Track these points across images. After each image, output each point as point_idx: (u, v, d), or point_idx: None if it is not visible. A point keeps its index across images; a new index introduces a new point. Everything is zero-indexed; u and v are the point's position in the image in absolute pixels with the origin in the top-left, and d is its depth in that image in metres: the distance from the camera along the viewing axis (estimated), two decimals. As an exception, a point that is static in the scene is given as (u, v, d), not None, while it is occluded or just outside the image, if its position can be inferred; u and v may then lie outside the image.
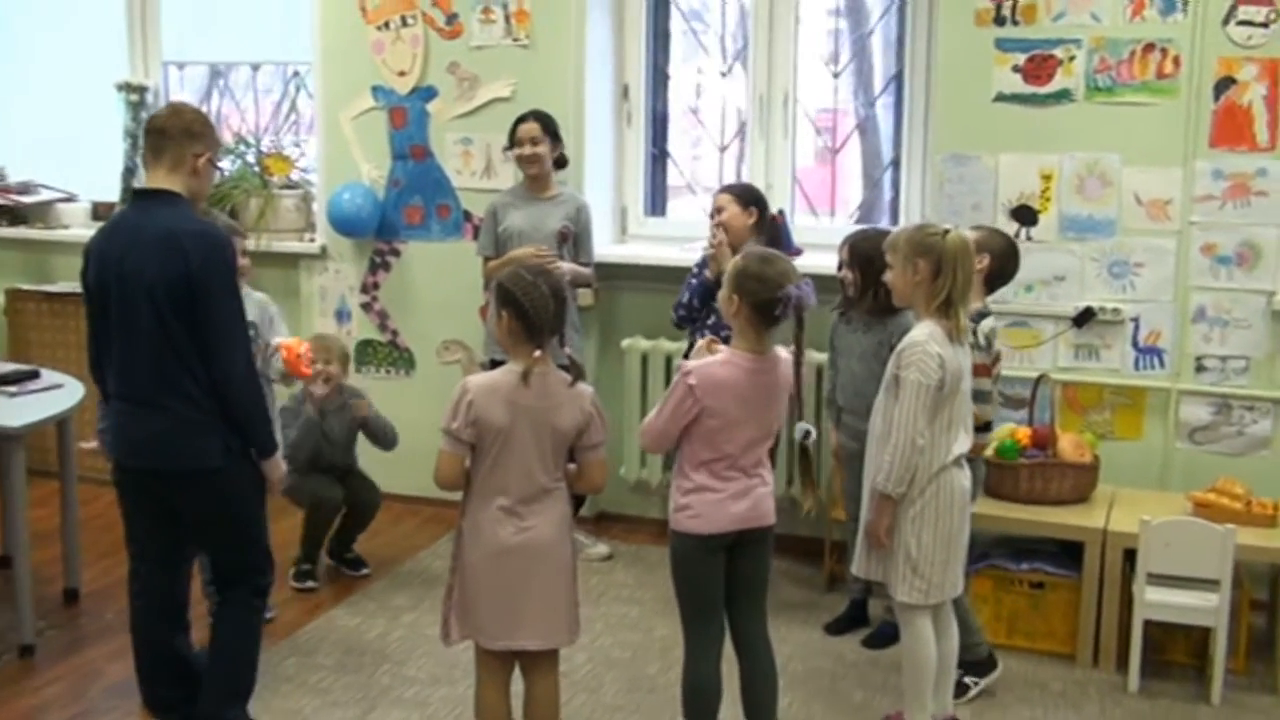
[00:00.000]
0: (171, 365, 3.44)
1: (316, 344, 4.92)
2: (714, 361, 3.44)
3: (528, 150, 5.12)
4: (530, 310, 3.30)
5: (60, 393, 4.75)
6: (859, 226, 5.20)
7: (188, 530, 3.71)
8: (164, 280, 3.38)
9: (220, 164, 3.74)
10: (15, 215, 6.68)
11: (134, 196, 3.67)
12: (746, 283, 3.41)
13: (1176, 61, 4.78)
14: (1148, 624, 4.24)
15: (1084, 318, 4.95)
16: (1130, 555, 4.30)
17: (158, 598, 3.77)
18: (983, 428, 4.08)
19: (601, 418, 3.41)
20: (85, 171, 6.78)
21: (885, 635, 4.56)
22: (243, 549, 3.69)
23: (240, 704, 3.74)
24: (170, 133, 3.53)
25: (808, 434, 3.48)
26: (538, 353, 3.30)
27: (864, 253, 4.39)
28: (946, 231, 3.63)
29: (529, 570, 3.36)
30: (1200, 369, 4.88)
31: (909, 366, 3.57)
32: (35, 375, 4.89)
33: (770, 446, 3.57)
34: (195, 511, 3.62)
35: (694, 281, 4.81)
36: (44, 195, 6.77)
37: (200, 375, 3.45)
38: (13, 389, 4.71)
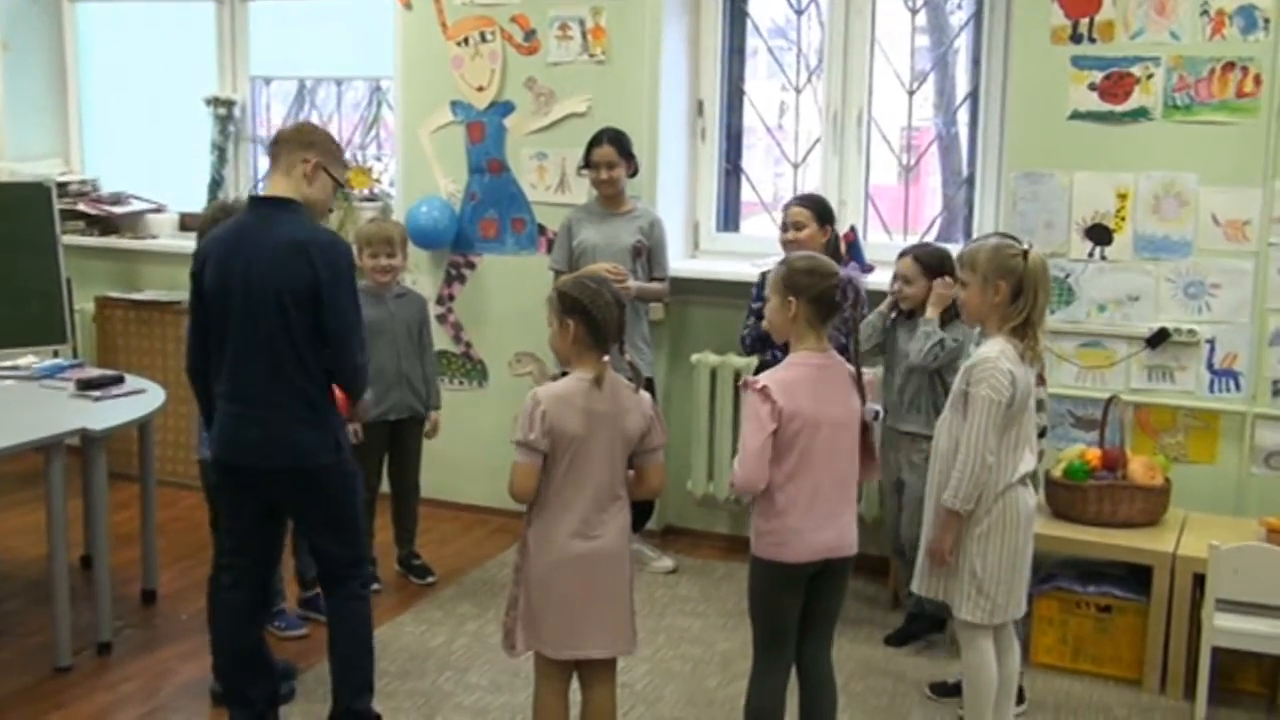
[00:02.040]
0: (289, 367, 3.56)
1: (376, 235, 5.00)
2: (777, 368, 3.45)
3: (604, 175, 5.20)
4: (598, 317, 3.34)
5: (143, 397, 4.86)
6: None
7: (285, 528, 3.84)
8: (291, 287, 3.51)
9: (340, 178, 3.81)
10: (106, 225, 6.87)
11: (252, 203, 3.73)
12: (801, 280, 3.42)
13: (1257, 80, 4.70)
14: (1217, 651, 4.16)
15: (1158, 339, 4.88)
16: (1200, 580, 4.23)
17: (252, 593, 3.84)
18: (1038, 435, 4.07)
19: (661, 421, 3.44)
20: (174, 183, 6.95)
21: (906, 634, 4.71)
22: (347, 543, 3.78)
23: (371, 693, 3.86)
24: (284, 141, 3.69)
25: (877, 415, 3.47)
26: (605, 358, 3.35)
27: (933, 267, 4.49)
28: (1025, 252, 3.60)
29: (597, 578, 3.39)
30: (1277, 393, 4.78)
31: (980, 383, 3.53)
32: (119, 380, 5.00)
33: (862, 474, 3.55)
34: (302, 507, 3.73)
35: (756, 306, 4.79)
36: (134, 206, 6.95)
37: (315, 376, 3.59)
38: (97, 393, 4.83)
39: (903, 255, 4.64)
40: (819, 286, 3.39)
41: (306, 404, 3.60)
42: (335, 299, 3.56)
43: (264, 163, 4.33)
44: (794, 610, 3.50)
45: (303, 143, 3.67)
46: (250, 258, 3.55)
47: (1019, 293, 3.56)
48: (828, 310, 3.40)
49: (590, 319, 3.34)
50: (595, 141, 5.23)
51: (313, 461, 3.63)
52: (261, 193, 3.72)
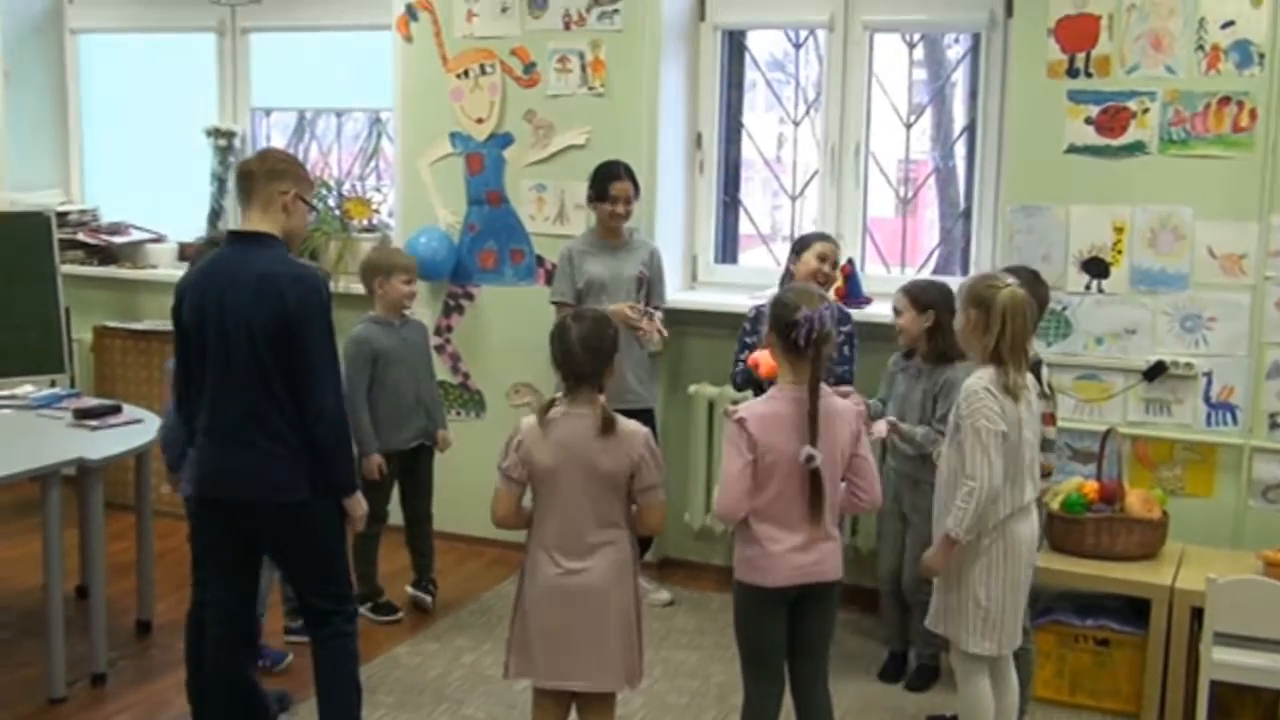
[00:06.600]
0: (263, 402, 3.52)
1: (408, 263, 5.14)
2: (758, 400, 3.51)
3: (621, 209, 5.19)
4: (553, 354, 3.42)
5: (139, 427, 4.86)
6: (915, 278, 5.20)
7: (263, 564, 3.82)
8: (261, 320, 3.47)
9: (314, 203, 3.82)
10: (106, 255, 6.88)
11: (230, 238, 3.73)
12: (774, 309, 3.49)
13: (1253, 115, 4.73)
14: (1215, 685, 4.14)
15: (1155, 372, 4.89)
16: (1198, 614, 4.21)
17: (237, 629, 3.80)
18: (1044, 475, 4.06)
19: (656, 460, 3.40)
20: (173, 213, 6.96)
21: (925, 675, 4.64)
22: (329, 580, 3.74)
23: None
24: (257, 175, 3.63)
25: (811, 458, 3.38)
26: (600, 396, 3.35)
27: (925, 300, 4.46)
28: (1008, 284, 3.63)
29: (576, 612, 3.38)
30: (1275, 426, 4.79)
31: (974, 415, 3.57)
32: (117, 410, 5.01)
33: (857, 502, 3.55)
34: (280, 544, 3.70)
35: (749, 340, 4.79)
36: (134, 236, 6.96)
37: (289, 412, 3.53)
38: (94, 423, 4.83)
39: (900, 292, 4.56)
40: (781, 319, 3.42)
41: (280, 440, 3.53)
42: (303, 334, 3.50)
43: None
44: (776, 634, 3.51)
45: (276, 174, 3.63)
46: (225, 292, 3.53)
47: (989, 323, 3.60)
48: (790, 346, 3.39)
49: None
50: (614, 175, 5.19)
51: (287, 497, 3.57)
52: (239, 227, 3.69)
